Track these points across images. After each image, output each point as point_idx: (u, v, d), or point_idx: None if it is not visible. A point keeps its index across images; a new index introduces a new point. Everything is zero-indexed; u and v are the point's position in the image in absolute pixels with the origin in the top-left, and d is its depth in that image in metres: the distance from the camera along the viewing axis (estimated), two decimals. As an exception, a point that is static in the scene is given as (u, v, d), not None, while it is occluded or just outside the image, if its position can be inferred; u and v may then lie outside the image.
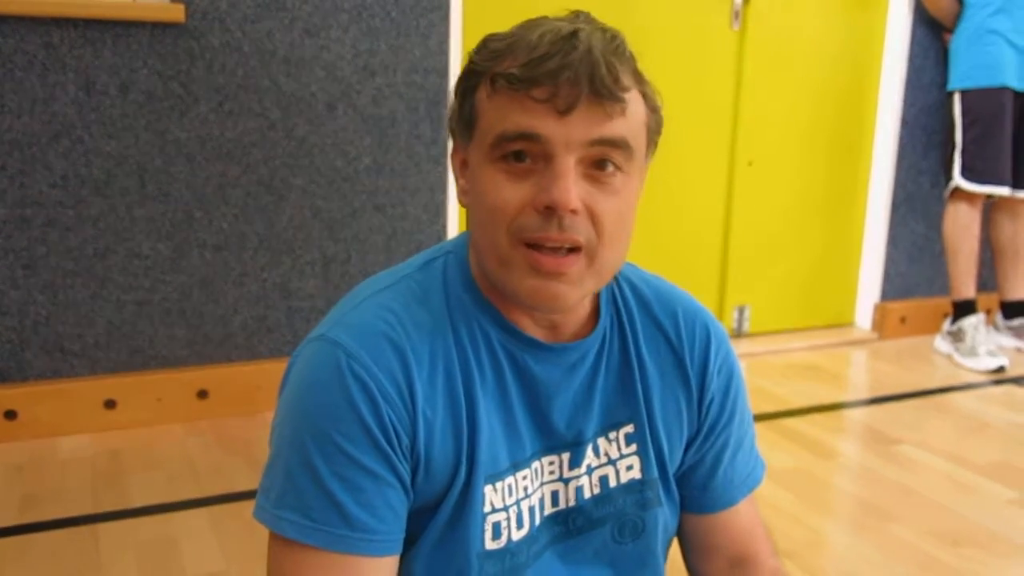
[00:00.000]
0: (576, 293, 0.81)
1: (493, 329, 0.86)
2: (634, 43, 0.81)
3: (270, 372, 2.33)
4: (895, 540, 1.81)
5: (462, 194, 0.86)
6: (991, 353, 2.89)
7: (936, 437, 2.35)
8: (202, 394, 2.29)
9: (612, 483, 0.91)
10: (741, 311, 3.06)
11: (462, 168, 0.86)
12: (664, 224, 2.83)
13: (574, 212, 0.77)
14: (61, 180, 2.10)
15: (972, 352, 2.92)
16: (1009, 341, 3.13)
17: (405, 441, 0.81)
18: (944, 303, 3.19)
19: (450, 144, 2.24)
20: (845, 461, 2.23)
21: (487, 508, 0.85)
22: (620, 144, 0.78)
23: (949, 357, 3.00)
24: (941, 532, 1.84)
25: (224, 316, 2.30)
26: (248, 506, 0.86)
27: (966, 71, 2.89)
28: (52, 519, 1.80)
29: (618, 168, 0.79)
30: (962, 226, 2.93)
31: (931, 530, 1.85)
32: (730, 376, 0.98)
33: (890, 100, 3.07)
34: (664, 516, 0.95)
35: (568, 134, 0.76)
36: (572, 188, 0.76)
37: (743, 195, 2.97)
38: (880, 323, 3.18)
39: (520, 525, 0.87)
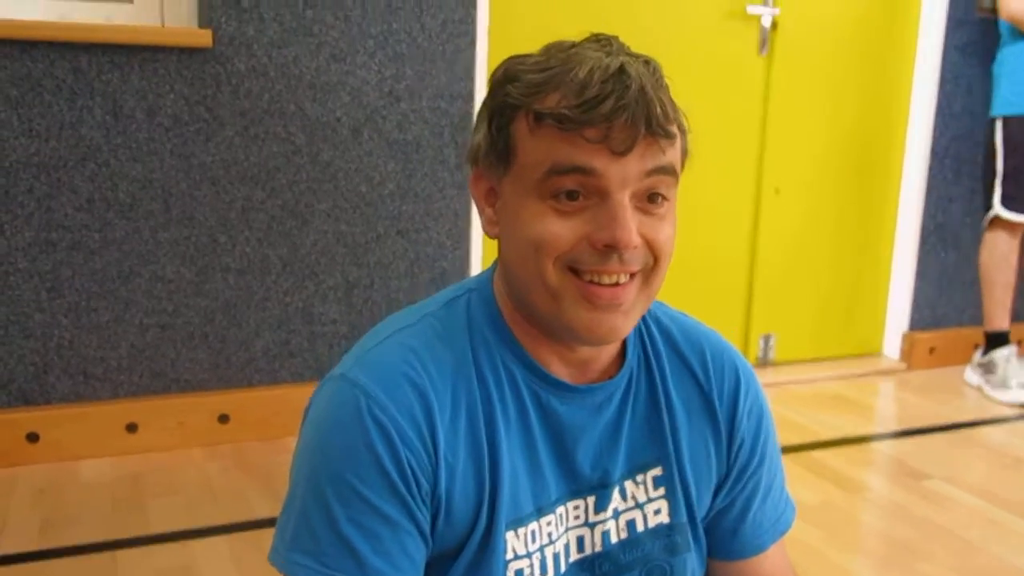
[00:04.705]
0: (631, 322, 0.81)
1: (519, 369, 0.84)
2: (662, 69, 0.80)
3: (292, 397, 2.32)
4: None
5: (490, 224, 0.84)
6: (1023, 386, 2.83)
7: (967, 472, 2.30)
8: (223, 418, 2.28)
9: (640, 527, 0.89)
10: (767, 339, 3.02)
11: (488, 197, 0.83)
12: (690, 251, 2.80)
13: (635, 247, 0.77)
14: (87, 203, 2.10)
15: (1003, 384, 2.86)
16: (1041, 373, 3.06)
17: (425, 487, 0.79)
18: (974, 333, 3.13)
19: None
20: (873, 496, 2.18)
21: (509, 555, 0.83)
22: (670, 173, 0.78)
23: (979, 389, 2.94)
24: (971, 572, 1.79)
25: (246, 340, 2.30)
26: (267, 534, 0.83)
27: (1009, 98, 2.83)
28: (71, 545, 1.80)
29: (665, 197, 0.79)
30: (1000, 256, 2.87)
31: (961, 569, 1.80)
32: (760, 417, 0.95)
33: (920, 128, 3.04)
34: (692, 563, 0.92)
35: (624, 172, 0.75)
36: (632, 225, 0.76)
37: (769, 223, 2.94)
38: (908, 353, 3.13)
39: (544, 572, 0.85)
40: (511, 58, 0.82)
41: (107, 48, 2.05)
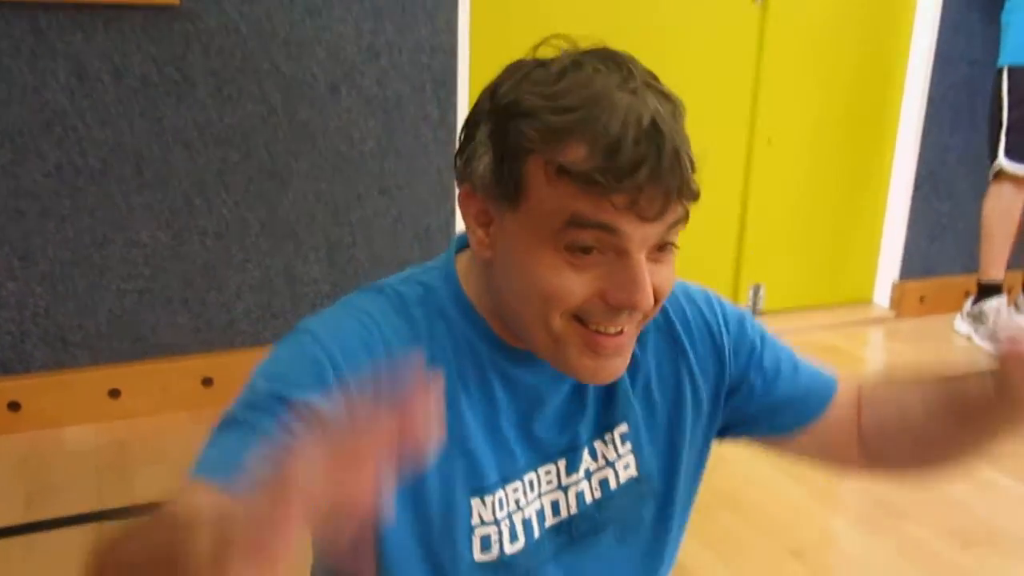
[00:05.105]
0: (628, 358, 0.78)
1: (480, 342, 0.80)
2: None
3: (274, 360, 2.30)
4: (908, 539, 1.79)
5: (481, 247, 0.77)
6: (1012, 338, 2.82)
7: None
8: (207, 382, 2.27)
9: (613, 485, 0.88)
10: (756, 289, 2.99)
11: (480, 217, 0.77)
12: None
13: (651, 306, 0.73)
14: (55, 170, 2.04)
15: (994, 335, 2.85)
16: (1031, 322, 3.06)
17: None
18: (964, 282, 3.11)
19: (457, 129, 2.12)
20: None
21: (475, 521, 0.81)
22: (685, 220, 0.73)
23: (968, 339, 2.94)
24: (954, 531, 1.82)
25: (227, 303, 2.26)
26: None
27: (1017, 47, 2.73)
28: (58, 517, 1.79)
29: (675, 244, 0.75)
30: (1003, 210, 2.82)
31: (943, 527, 1.83)
32: (740, 320, 0.93)
33: (917, 75, 2.95)
34: (657, 510, 0.91)
35: (646, 233, 0.70)
36: (650, 287, 0.71)
37: (761, 173, 2.88)
38: (898, 302, 3.11)
39: (514, 538, 0.83)
40: (517, 72, 0.73)
41: (68, 7, 1.96)
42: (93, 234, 2.10)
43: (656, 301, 0.74)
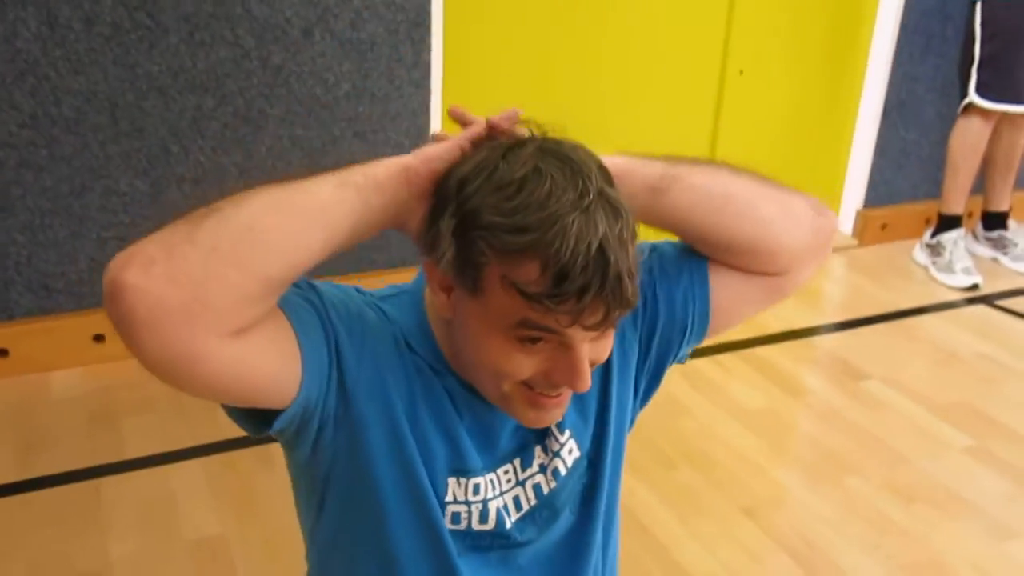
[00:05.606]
0: (567, 407, 0.87)
1: (437, 373, 0.88)
2: (632, 221, 0.77)
3: (255, 302, 2.35)
4: (852, 495, 1.90)
5: (443, 308, 0.84)
6: (966, 271, 2.93)
7: (904, 370, 2.42)
8: (188, 323, 2.31)
9: (563, 472, 0.96)
10: (724, 219, 3.06)
11: (443, 285, 0.83)
12: (650, 133, 2.77)
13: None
14: (30, 120, 2.03)
15: (948, 268, 2.96)
16: (985, 251, 3.17)
17: (347, 361, 0.83)
18: (926, 208, 3.19)
19: (433, 84, 2.14)
20: (813, 401, 2.31)
21: (449, 498, 0.90)
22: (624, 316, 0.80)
23: (925, 269, 3.04)
24: (896, 487, 1.93)
25: (206, 247, 2.29)
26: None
27: None
28: (52, 474, 1.85)
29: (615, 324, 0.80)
30: (970, 145, 2.87)
31: (886, 484, 1.94)
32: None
33: (890, 3, 2.95)
34: (587, 466, 0.98)
35: (587, 335, 0.78)
36: (588, 373, 0.79)
37: (732, 105, 2.90)
38: (861, 230, 3.20)
39: (484, 519, 0.92)
40: (484, 168, 0.77)
41: (34, -46, 1.91)
42: (72, 183, 2.11)
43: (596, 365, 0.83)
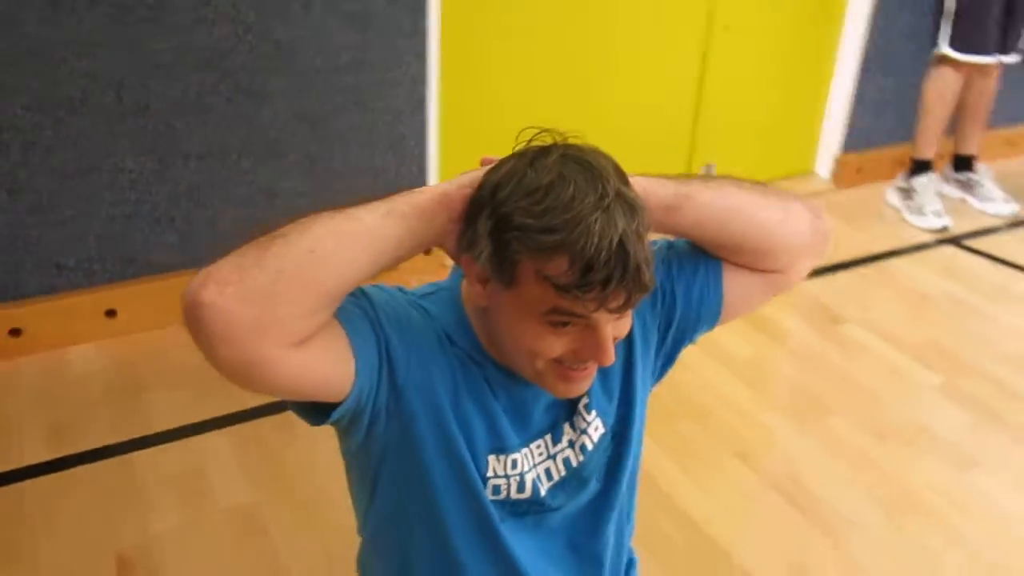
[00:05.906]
0: (593, 378, 0.98)
1: (476, 361, 0.98)
2: (647, 216, 0.86)
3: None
4: (832, 436, 2.05)
5: (479, 298, 0.93)
6: (936, 213, 3.07)
7: (878, 313, 2.57)
8: (197, 294, 2.35)
9: (589, 447, 1.08)
10: (709, 168, 3.14)
11: (480, 279, 0.92)
12: (637, 87, 2.82)
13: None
14: (36, 102, 2.02)
15: (919, 211, 3.09)
16: (954, 192, 3.30)
17: (398, 364, 0.92)
18: (900, 152, 3.31)
19: (430, 52, 2.16)
20: (795, 346, 2.45)
21: (490, 473, 1.01)
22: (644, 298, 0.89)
23: (897, 212, 3.17)
24: (872, 426, 2.09)
25: (212, 220, 2.32)
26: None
27: None
28: (84, 451, 1.90)
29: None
30: (941, 93, 2.98)
31: (863, 423, 2.09)
32: (659, 262, 1.05)
33: (870, -44, 3.00)
34: (612, 437, 1.10)
35: (611, 316, 0.88)
36: (612, 348, 0.90)
37: (718, 59, 2.96)
38: (839, 175, 3.31)
39: (522, 488, 1.04)
40: (514, 175, 0.86)
41: (34, -64, 1.88)
42: (79, 163, 2.11)
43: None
